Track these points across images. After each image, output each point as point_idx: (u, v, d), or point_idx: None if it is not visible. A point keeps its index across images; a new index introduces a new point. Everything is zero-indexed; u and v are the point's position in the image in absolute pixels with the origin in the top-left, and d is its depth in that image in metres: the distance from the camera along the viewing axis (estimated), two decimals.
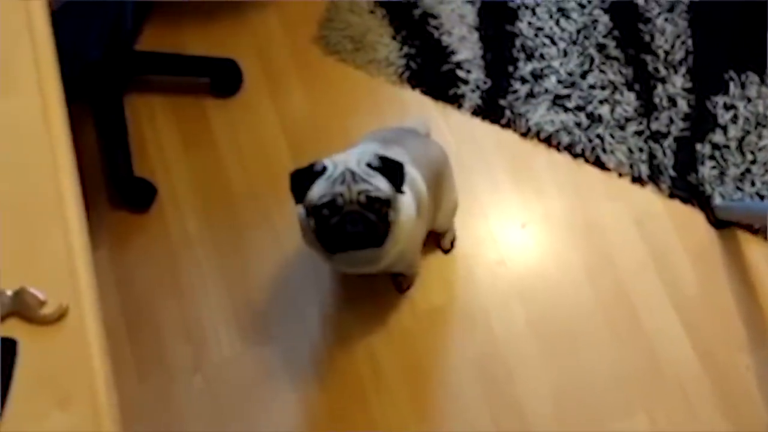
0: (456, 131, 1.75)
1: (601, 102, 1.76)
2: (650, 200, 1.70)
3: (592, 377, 1.56)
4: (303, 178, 1.21)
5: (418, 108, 1.77)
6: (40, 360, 0.78)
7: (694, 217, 1.68)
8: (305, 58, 1.82)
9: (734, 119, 1.74)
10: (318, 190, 1.19)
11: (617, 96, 1.77)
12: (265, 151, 1.74)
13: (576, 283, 1.64)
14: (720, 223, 1.67)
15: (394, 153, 1.31)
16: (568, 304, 1.62)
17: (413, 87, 1.79)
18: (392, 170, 1.21)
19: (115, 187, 1.70)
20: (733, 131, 1.73)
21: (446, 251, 1.64)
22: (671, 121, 1.75)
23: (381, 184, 1.19)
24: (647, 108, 1.76)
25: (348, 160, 1.21)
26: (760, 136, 1.73)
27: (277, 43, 1.84)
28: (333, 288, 1.63)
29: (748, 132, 1.73)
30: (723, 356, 1.57)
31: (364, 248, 1.24)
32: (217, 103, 1.79)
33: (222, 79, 1.79)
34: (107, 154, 1.72)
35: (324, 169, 1.20)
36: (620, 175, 1.71)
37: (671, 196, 1.70)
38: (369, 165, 1.20)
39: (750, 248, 1.65)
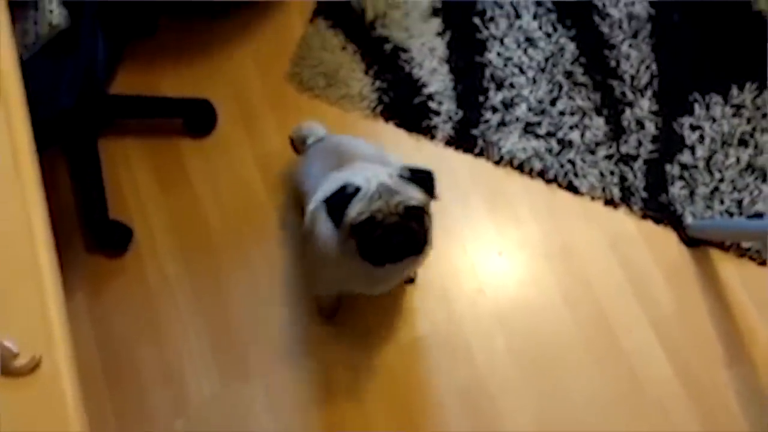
0: (430, 162, 1.75)
1: (571, 128, 1.79)
2: (623, 222, 1.72)
3: (574, 400, 1.56)
4: (338, 202, 1.22)
5: (393, 140, 1.79)
6: (15, 412, 0.78)
7: (667, 236, 1.71)
8: (279, 95, 1.84)
9: (701, 139, 1.78)
10: (356, 209, 1.19)
11: (586, 121, 1.80)
12: (242, 189, 1.74)
13: (554, 308, 1.65)
14: (692, 241, 1.70)
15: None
16: (548, 329, 1.63)
17: (386, 120, 1.82)
18: (423, 178, 1.24)
19: (90, 231, 1.69)
20: (701, 151, 1.77)
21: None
22: (640, 143, 1.78)
23: (415, 193, 1.21)
24: (616, 132, 1.79)
25: (378, 174, 1.22)
26: (726, 155, 1.77)
27: (250, 81, 1.86)
28: (314, 325, 1.62)
29: (714, 151, 1.77)
30: (701, 373, 1.58)
31: (409, 257, 1.24)
32: (192, 144, 1.80)
33: (196, 119, 1.80)
34: (82, 197, 1.71)
35: (357, 189, 1.21)
36: (593, 198, 1.74)
37: (644, 217, 1.72)
38: (401, 176, 1.22)
39: (722, 265, 1.68)
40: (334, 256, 1.30)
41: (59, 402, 0.78)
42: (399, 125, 1.81)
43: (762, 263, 1.68)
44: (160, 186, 1.76)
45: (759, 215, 1.71)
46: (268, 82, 1.85)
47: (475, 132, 1.79)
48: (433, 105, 1.82)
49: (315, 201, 1.36)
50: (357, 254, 1.23)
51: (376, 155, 1.47)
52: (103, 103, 1.73)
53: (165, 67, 1.87)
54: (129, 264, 1.67)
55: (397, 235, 1.19)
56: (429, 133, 1.80)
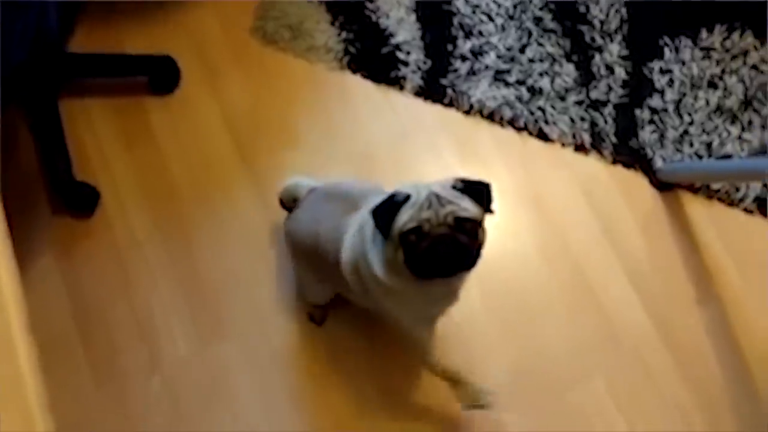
0: (399, 113, 1.76)
1: (540, 74, 1.78)
2: (595, 168, 1.72)
3: (550, 349, 1.58)
4: (387, 211, 1.16)
5: (361, 92, 1.77)
6: None
7: (638, 181, 1.71)
8: (243, 49, 1.80)
9: (670, 83, 1.77)
10: (404, 218, 1.14)
11: (556, 68, 1.79)
12: (209, 146, 1.71)
13: (528, 257, 1.65)
14: (663, 185, 1.70)
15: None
16: (522, 278, 1.64)
17: (354, 71, 1.79)
18: (478, 190, 1.17)
19: (56, 193, 1.66)
20: (670, 95, 1.77)
21: None
22: (610, 88, 1.77)
23: (468, 205, 1.15)
24: (586, 77, 1.78)
25: (429, 185, 1.16)
26: (695, 98, 1.76)
27: (213, 36, 1.82)
28: (288, 278, 1.61)
29: (684, 95, 1.77)
30: (674, 316, 1.61)
31: (457, 271, 1.18)
32: (157, 102, 1.76)
33: (159, 76, 1.76)
34: (46, 159, 1.68)
35: (407, 197, 1.15)
36: (563, 145, 1.74)
37: (614, 162, 1.72)
38: (454, 187, 1.16)
39: (692, 207, 1.69)
40: (389, 282, 1.20)
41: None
42: (366, 77, 1.78)
43: (731, 204, 1.69)
44: (126, 145, 1.72)
45: (728, 156, 1.72)
46: (232, 36, 1.81)
47: (444, 81, 1.77)
48: (401, 55, 1.79)
49: (348, 249, 1.27)
50: (405, 268, 1.16)
51: (379, 189, 1.38)
52: (61, 60, 1.68)
53: (126, 23, 1.82)
54: (97, 224, 1.65)
55: (444, 247, 1.13)
56: (397, 83, 1.77)
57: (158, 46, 1.79)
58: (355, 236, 1.26)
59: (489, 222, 1.66)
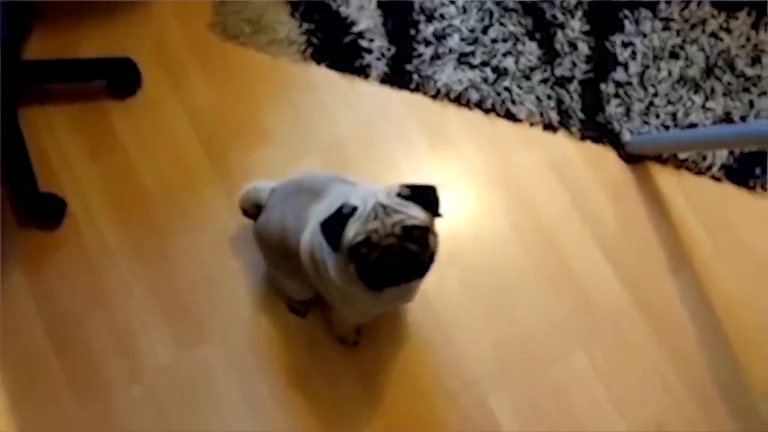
0: (366, 102, 1.74)
1: (504, 54, 1.78)
2: (563, 145, 1.73)
3: (528, 325, 1.59)
4: (334, 225, 1.15)
5: (326, 83, 1.75)
6: None
7: (607, 155, 1.73)
8: (203, 46, 1.77)
9: (633, 55, 1.79)
10: (351, 231, 1.13)
11: (519, 47, 1.79)
12: (175, 146, 1.69)
13: (502, 236, 1.66)
14: (631, 158, 1.72)
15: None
16: (498, 257, 1.65)
17: (318, 62, 1.77)
18: (424, 195, 1.16)
19: (21, 206, 1.62)
20: (634, 67, 1.78)
21: None
22: (574, 65, 1.78)
23: (415, 212, 1.14)
24: (550, 55, 1.78)
25: (377, 193, 1.15)
26: (658, 69, 1.78)
27: (172, 34, 1.78)
28: (264, 277, 1.60)
29: (647, 66, 1.78)
30: (648, 285, 1.63)
31: (409, 280, 1.18)
32: (119, 105, 1.72)
33: (119, 79, 1.72)
34: (8, 172, 1.63)
35: (354, 210, 1.14)
36: (531, 124, 1.74)
37: (583, 138, 1.73)
38: (399, 195, 1.15)
39: (661, 178, 1.71)
40: (340, 284, 1.22)
41: None
42: (331, 66, 1.76)
43: (699, 173, 1.72)
44: (90, 152, 1.69)
45: (693, 126, 1.74)
46: (191, 33, 1.78)
47: (409, 67, 1.76)
48: (364, 43, 1.77)
49: (307, 237, 1.27)
50: (357, 278, 1.16)
51: (339, 176, 1.38)
52: (16, 69, 1.64)
53: (80, 27, 1.78)
54: (66, 235, 1.62)
55: (394, 258, 1.13)
56: (363, 72, 1.76)
57: (116, 48, 1.75)
58: (315, 225, 1.25)
59: (462, 205, 1.69)
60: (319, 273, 1.27)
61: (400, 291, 1.25)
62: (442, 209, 1.18)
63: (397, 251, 1.13)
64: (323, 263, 1.23)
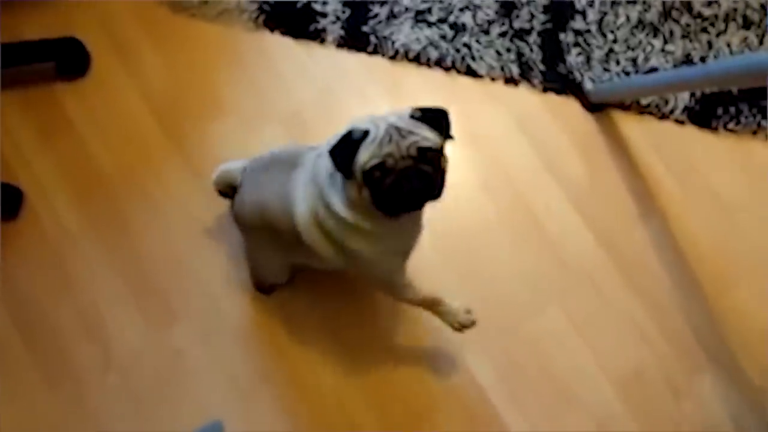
0: (324, 67, 1.71)
1: (461, 10, 1.74)
2: (526, 98, 1.72)
3: (503, 284, 1.59)
4: (345, 150, 1.11)
5: (281, 51, 1.71)
6: None
7: (570, 105, 1.72)
8: (152, 21, 1.71)
9: (590, 3, 1.76)
10: (365, 155, 1.10)
11: (476, 1, 1.75)
12: (130, 125, 1.64)
13: (471, 194, 1.65)
14: (594, 106, 1.71)
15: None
16: (468, 215, 1.64)
17: (272, 30, 1.72)
18: (436, 118, 1.14)
19: None
20: (592, 15, 1.76)
21: None
22: (532, 16, 1.75)
23: (428, 134, 1.12)
24: (507, 7, 1.76)
25: (386, 116, 1.12)
26: (616, 15, 1.76)
27: (119, 10, 1.72)
28: (234, 253, 1.58)
29: (605, 13, 1.76)
30: (620, 235, 1.63)
31: (425, 202, 1.15)
32: (69, 87, 1.67)
33: (67, 60, 1.67)
34: None
35: (366, 133, 1.11)
36: (493, 79, 1.72)
37: (545, 90, 1.72)
38: (412, 117, 1.12)
39: (625, 124, 1.71)
40: (355, 221, 1.17)
41: None
42: (285, 33, 1.72)
43: (662, 117, 1.71)
44: (43, 138, 1.64)
45: (654, 70, 1.73)
46: (139, 8, 1.72)
47: (365, 29, 1.72)
48: (317, 6, 1.73)
49: (302, 203, 1.22)
50: (372, 206, 1.12)
51: (307, 146, 1.33)
52: None
53: (21, 8, 1.71)
54: (26, 225, 1.57)
55: (410, 181, 1.10)
56: (318, 37, 1.72)
57: (61, 28, 1.69)
58: (306, 188, 1.22)
59: None
60: (330, 239, 1.22)
61: (413, 219, 1.23)
62: (452, 131, 1.15)
63: (412, 174, 1.10)
64: (332, 220, 1.18)
